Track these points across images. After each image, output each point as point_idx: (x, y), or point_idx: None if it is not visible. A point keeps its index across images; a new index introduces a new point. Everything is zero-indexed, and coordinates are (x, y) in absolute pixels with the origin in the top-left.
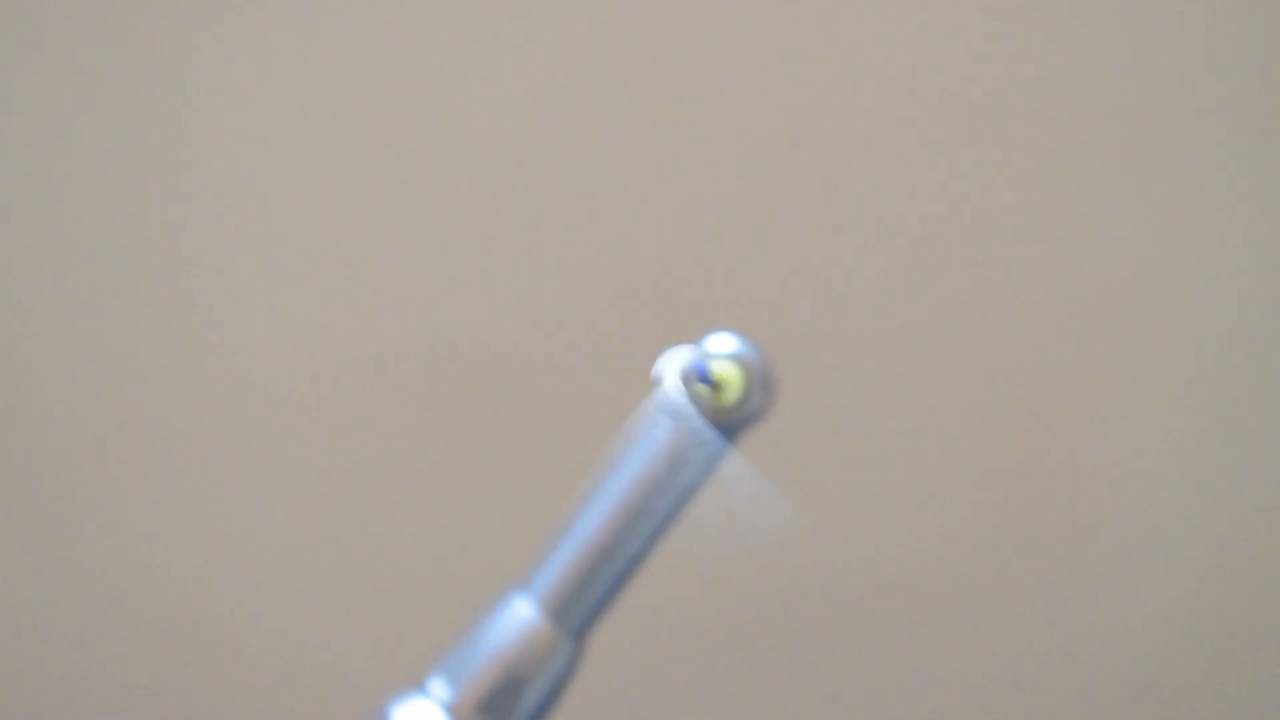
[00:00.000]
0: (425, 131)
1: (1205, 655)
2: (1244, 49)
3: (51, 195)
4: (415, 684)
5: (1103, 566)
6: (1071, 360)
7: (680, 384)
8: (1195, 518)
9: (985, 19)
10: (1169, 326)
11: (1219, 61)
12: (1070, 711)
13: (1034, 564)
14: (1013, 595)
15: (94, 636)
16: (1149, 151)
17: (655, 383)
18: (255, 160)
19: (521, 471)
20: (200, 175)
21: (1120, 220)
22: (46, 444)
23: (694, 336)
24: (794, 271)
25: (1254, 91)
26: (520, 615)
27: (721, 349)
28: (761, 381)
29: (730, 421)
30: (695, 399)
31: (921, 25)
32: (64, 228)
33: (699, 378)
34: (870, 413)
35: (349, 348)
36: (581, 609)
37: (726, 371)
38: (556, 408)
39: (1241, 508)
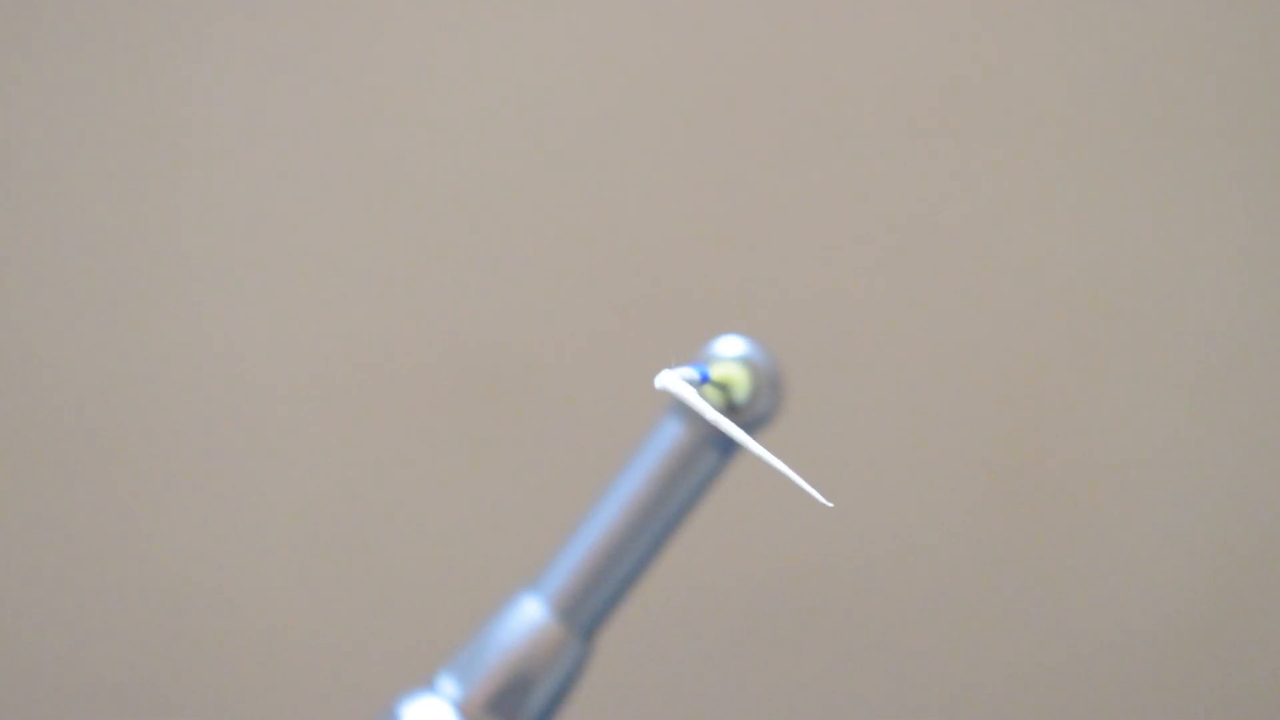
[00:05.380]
0: (432, 134)
1: (1205, 654)
2: (1244, 49)
3: (54, 197)
4: (425, 682)
5: (1103, 566)
6: (1072, 360)
7: (689, 386)
8: (1195, 517)
9: (988, 20)
10: (1169, 326)
11: (1219, 61)
12: (1070, 711)
13: (1034, 563)
14: (1013, 594)
15: (100, 637)
16: (1149, 151)
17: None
18: (260, 161)
19: (532, 472)
20: (205, 176)
21: (1121, 220)
22: (50, 446)
23: (703, 339)
24: (797, 274)
25: (1254, 91)
26: (530, 615)
27: (730, 352)
28: (770, 384)
29: (739, 423)
30: (704, 401)
31: (926, 27)
32: (67, 230)
33: (708, 380)
34: (872, 413)
35: (365, 349)
36: (591, 609)
37: (735, 374)
38: (567, 409)
39: (1241, 507)
